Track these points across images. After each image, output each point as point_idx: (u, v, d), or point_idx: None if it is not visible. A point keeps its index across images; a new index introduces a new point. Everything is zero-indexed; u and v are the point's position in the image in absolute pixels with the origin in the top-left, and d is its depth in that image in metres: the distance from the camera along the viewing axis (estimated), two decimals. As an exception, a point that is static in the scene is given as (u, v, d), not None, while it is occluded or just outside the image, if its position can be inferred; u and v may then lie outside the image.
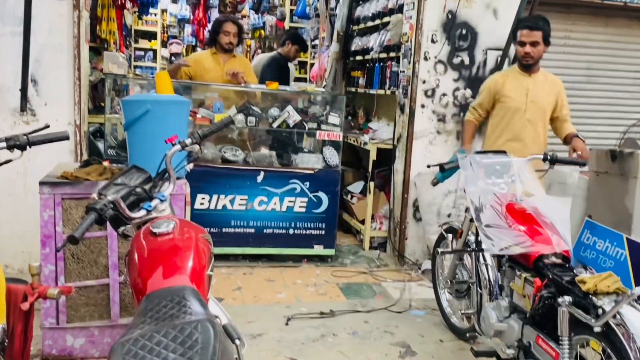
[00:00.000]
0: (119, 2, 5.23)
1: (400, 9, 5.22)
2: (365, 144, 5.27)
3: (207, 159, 4.43)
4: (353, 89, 6.65)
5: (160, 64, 8.78)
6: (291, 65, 6.26)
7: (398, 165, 4.90)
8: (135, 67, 8.76)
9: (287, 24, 9.04)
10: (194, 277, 1.83)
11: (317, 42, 7.64)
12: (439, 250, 3.49)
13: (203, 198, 4.40)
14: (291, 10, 8.08)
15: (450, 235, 3.50)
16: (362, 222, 5.36)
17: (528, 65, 3.89)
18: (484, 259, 3.05)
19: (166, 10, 8.48)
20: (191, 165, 3.04)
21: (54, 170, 2.99)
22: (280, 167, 4.56)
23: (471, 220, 3.19)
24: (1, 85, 3.92)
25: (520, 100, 3.91)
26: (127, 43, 7.03)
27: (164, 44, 8.53)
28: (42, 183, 2.71)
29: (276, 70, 5.08)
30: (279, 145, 4.68)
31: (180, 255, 1.89)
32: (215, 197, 4.42)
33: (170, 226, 1.97)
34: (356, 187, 5.96)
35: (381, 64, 5.79)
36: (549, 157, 3.13)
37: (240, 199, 4.46)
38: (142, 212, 2.08)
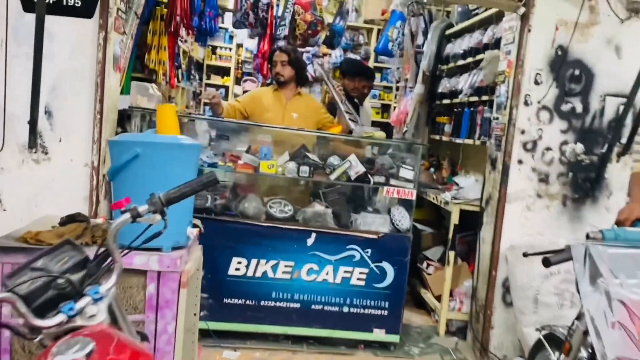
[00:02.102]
0: (171, 29, 4.73)
1: (496, 44, 4.38)
2: (447, 203, 4.39)
3: (248, 215, 3.72)
4: (437, 137, 5.81)
5: (233, 101, 8.32)
6: (366, 106, 5.48)
7: (485, 233, 3.97)
8: (206, 104, 8.36)
9: (371, 64, 8.38)
10: None
11: (401, 83, 6.88)
12: (536, 367, 2.53)
13: (239, 262, 3.69)
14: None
15: (552, 349, 2.54)
16: (439, 298, 4.43)
17: None
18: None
19: (242, 45, 8.09)
20: (195, 231, 2.32)
21: (27, 226, 2.38)
22: (336, 228, 3.79)
23: (585, 332, 2.24)
24: (10, 115, 3.43)
25: None
26: (192, 77, 6.60)
27: (238, 81, 8.12)
28: (-13, 247, 2.08)
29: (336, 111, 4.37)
30: (336, 201, 3.90)
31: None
32: (254, 261, 3.70)
33: (83, 352, 1.23)
34: (434, 253, 5.05)
35: (471, 108, 4.94)
36: None
37: (285, 266, 3.71)
38: (60, 318, 1.37)
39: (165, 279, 2.18)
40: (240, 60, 8.21)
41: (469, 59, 5.02)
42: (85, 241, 2.31)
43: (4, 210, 3.53)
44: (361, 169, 3.74)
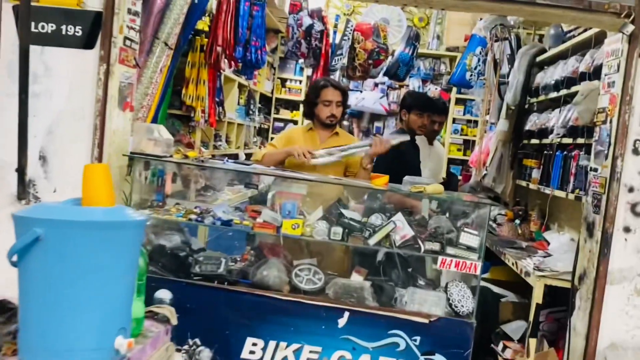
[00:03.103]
0: (212, 61, 4.15)
1: (596, 73, 3.41)
2: (528, 274, 3.42)
3: (267, 285, 2.98)
4: (524, 183, 4.82)
5: (301, 136, 7.69)
6: (436, 146, 4.58)
7: (578, 322, 2.99)
8: (273, 139, 7.77)
9: (453, 96, 7.47)
10: None
11: (482, 118, 5.95)
12: None
13: (255, 344, 2.94)
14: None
15: None
16: (516, 393, 3.44)
17: None
18: None
19: (311, 77, 7.48)
20: (126, 343, 1.59)
21: None
22: (376, 307, 2.94)
23: None
24: (1, 161, 2.91)
25: None
26: (251, 112, 6.02)
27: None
28: None
29: (391, 156, 3.54)
30: (377, 272, 3.07)
31: None
32: (272, 343, 2.94)
33: None
34: (516, 329, 4.02)
35: (564, 152, 3.95)
36: None
37: (310, 352, 2.93)
38: None
39: None
40: (311, 93, 7.61)
41: (562, 91, 4.05)
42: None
43: (-8, 271, 3.05)
44: (409, 232, 2.89)
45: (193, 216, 2.97)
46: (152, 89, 3.66)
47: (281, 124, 7.74)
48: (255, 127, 6.57)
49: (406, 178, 3.11)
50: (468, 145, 7.45)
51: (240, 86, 5.82)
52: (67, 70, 2.93)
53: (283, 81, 7.74)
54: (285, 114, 7.70)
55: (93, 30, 2.93)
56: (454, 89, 7.46)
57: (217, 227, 3.02)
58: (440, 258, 2.89)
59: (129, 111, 3.16)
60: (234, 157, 6.13)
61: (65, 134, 2.94)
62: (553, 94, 4.28)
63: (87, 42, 2.93)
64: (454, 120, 7.54)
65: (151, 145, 2.95)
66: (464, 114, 7.52)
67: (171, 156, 3.05)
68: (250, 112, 6.02)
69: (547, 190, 4.09)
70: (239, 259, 3.17)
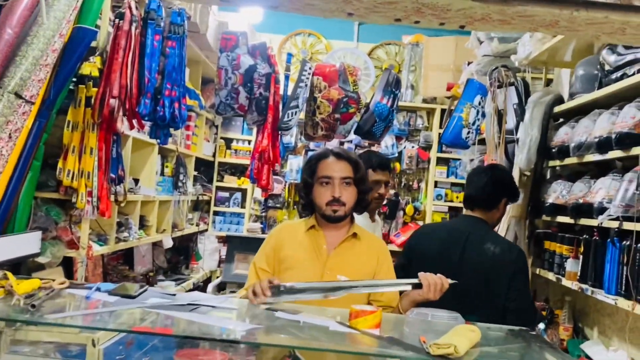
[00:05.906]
0: (103, 119, 2.83)
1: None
2: None
3: None
4: (551, 276, 3.56)
5: (251, 209, 6.33)
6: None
7: None
8: (216, 213, 6.36)
9: (434, 155, 6.28)
10: None
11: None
12: None
13: None
14: (440, 135, 5.29)
15: None
16: None
17: None
18: None
19: (256, 138, 6.18)
20: None
21: None
22: None
23: None
24: None
25: None
26: (180, 184, 4.66)
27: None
28: None
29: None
30: None
31: None
32: None
33: None
34: None
35: (623, 242, 2.71)
36: None
37: None
38: None
39: None
40: (262, 156, 6.32)
41: (615, 152, 2.85)
42: None
43: None
44: None
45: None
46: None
47: (226, 194, 6.37)
48: (188, 201, 5.21)
49: (413, 313, 1.80)
50: (454, 212, 6.22)
51: (164, 151, 4.48)
52: None
53: (228, 142, 6.42)
54: (230, 180, 6.34)
55: None
56: (434, 147, 6.28)
57: None
58: None
59: None
60: (158, 244, 4.75)
61: None
62: (592, 156, 3.08)
63: None
64: (436, 184, 6.34)
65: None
66: (448, 176, 6.31)
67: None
68: (180, 183, 4.68)
69: (602, 297, 2.81)
70: None
